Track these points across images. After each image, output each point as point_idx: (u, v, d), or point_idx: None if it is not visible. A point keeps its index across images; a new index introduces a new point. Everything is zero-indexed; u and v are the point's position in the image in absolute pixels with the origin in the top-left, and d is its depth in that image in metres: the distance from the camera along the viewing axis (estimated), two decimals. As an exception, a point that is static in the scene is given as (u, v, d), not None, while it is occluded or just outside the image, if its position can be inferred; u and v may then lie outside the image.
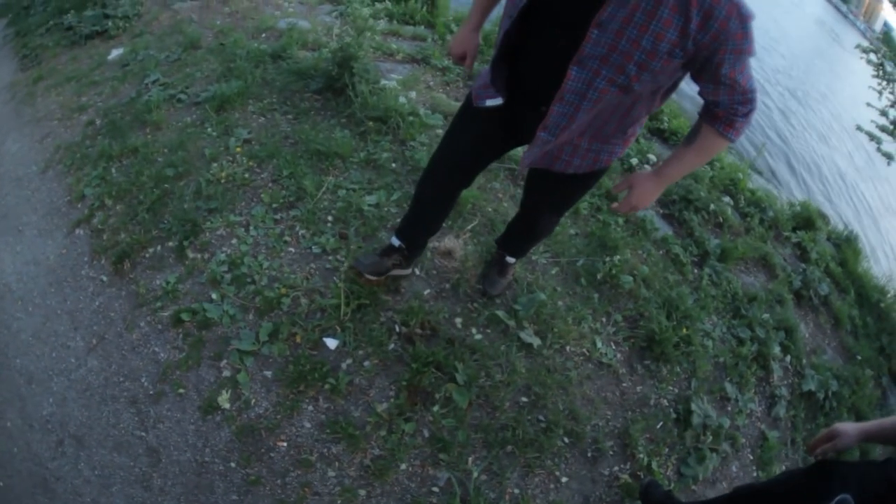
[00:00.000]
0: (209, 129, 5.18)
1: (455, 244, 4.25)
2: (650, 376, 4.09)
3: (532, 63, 2.55)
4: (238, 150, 4.89)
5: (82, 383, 3.69)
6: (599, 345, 4.07)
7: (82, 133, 5.66)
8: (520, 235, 3.83)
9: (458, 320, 3.92)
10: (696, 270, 5.06)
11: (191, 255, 4.16)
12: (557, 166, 2.78)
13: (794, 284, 5.52)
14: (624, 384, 3.98)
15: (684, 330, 4.33)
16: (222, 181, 4.59)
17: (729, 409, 4.24)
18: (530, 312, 4.02)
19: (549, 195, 3.21)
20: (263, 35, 6.63)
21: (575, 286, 4.42)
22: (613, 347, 4.14)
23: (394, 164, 4.93)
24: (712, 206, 5.67)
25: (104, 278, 4.21)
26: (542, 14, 2.36)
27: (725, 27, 2.08)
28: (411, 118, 5.31)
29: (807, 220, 6.55)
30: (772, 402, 4.49)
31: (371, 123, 5.22)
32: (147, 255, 4.26)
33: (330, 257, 4.09)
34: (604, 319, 4.28)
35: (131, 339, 3.80)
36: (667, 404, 4.01)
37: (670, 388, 4.09)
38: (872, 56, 11.55)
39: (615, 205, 2.85)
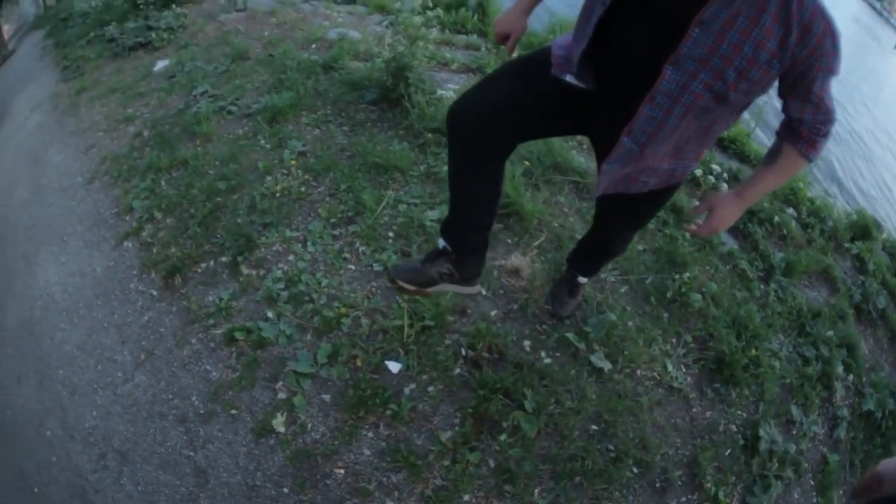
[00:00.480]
0: (262, 142, 5.06)
1: (522, 262, 4.05)
2: (720, 400, 3.87)
3: (621, 57, 2.31)
4: (293, 163, 4.75)
5: (129, 398, 3.57)
6: (670, 368, 3.84)
7: (129, 144, 5.58)
8: (592, 254, 3.59)
9: (527, 343, 3.69)
10: (762, 286, 4.83)
11: (245, 271, 4.01)
12: (634, 188, 2.58)
13: (854, 298, 5.26)
14: (694, 409, 3.76)
15: (753, 350, 4.10)
16: (277, 195, 4.44)
17: (794, 432, 4.02)
18: (601, 334, 3.80)
19: (623, 214, 3.00)
20: (313, 46, 6.52)
21: (644, 305, 4.20)
22: (683, 370, 3.91)
23: (457, 179, 4.75)
24: (776, 218, 5.45)
25: (154, 293, 4.09)
26: (636, 4, 2.17)
27: (821, 44, 1.99)
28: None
29: (863, 228, 6.26)
30: (834, 424, 4.27)
31: (430, 135, 5.03)
32: (199, 271, 4.13)
33: (393, 276, 3.89)
34: (674, 340, 4.05)
35: (182, 355, 3.67)
36: (735, 430, 3.80)
37: (739, 412, 3.87)
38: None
39: (693, 227, 2.67)
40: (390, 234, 4.18)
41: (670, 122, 2.21)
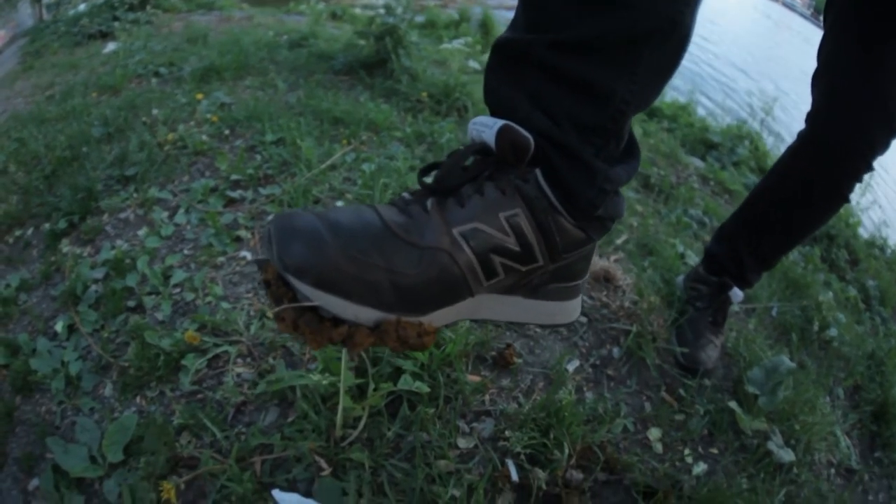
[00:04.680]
0: (178, 95, 2.78)
1: (610, 266, 1.69)
2: (884, 474, 1.68)
3: None
4: (210, 115, 2.41)
5: None
6: (842, 441, 1.58)
7: (37, 104, 3.54)
8: (785, 211, 1.42)
9: (655, 433, 1.28)
10: (869, 318, 2.73)
11: (65, 247, 1.74)
12: None
13: None
14: (870, 498, 1.56)
15: None
16: (165, 146, 2.12)
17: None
18: (778, 399, 1.45)
19: None
20: (284, 37, 4.20)
21: (786, 347, 1.88)
22: (849, 440, 1.67)
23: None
24: (850, 243, 3.58)
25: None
26: None
27: None
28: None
29: None
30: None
31: (425, 96, 2.71)
32: (11, 240, 1.97)
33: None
34: (828, 398, 1.77)
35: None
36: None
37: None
38: None
39: None
40: (340, 203, 1.76)
41: None
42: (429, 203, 0.69)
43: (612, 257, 1.79)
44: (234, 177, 1.83)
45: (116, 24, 5.79)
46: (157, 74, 3.38)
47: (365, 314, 0.64)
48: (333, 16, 5.68)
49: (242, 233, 1.58)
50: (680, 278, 1.74)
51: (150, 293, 1.40)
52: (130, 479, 1.02)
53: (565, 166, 0.68)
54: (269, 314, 1.26)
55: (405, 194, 0.72)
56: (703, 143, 4.15)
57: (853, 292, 2.85)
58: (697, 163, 3.70)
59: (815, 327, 2.10)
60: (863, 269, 3.44)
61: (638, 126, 3.68)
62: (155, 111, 2.49)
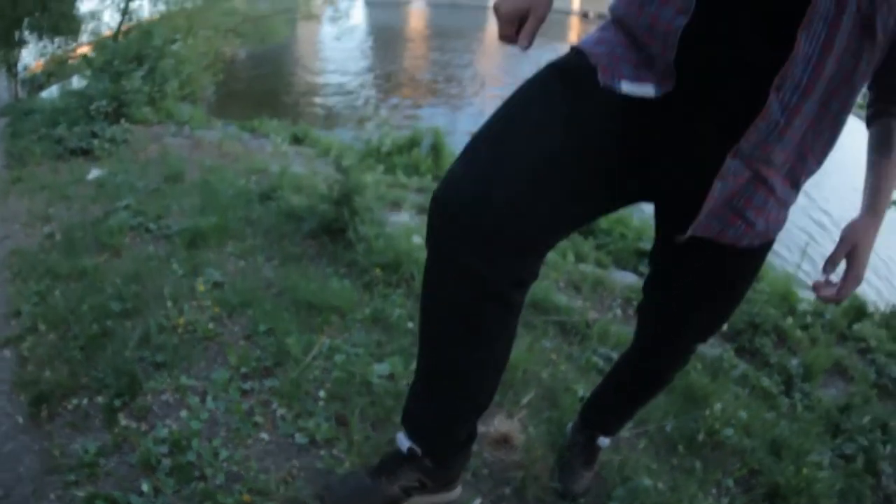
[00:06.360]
0: (174, 265, 3.62)
1: (511, 427, 2.54)
2: None
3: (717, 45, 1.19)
4: (202, 288, 3.30)
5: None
6: None
7: (39, 243, 4.26)
8: (626, 397, 2.14)
9: None
10: (787, 399, 3.53)
11: (123, 421, 2.48)
12: (731, 234, 1.37)
13: (870, 378, 4.19)
14: None
15: (803, 472, 2.68)
16: (179, 330, 2.96)
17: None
18: None
19: (704, 297, 1.62)
20: (254, 177, 5.10)
21: (671, 458, 2.69)
22: None
23: (409, 324, 3.19)
24: (778, 325, 4.33)
25: (20, 419, 2.59)
26: None
27: None
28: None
29: (858, 310, 5.19)
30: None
31: (378, 272, 3.61)
32: (70, 407, 2.60)
33: (322, 451, 2.32)
34: (714, 491, 2.56)
35: (39, 509, 2.11)
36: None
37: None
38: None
39: (830, 291, 1.43)
40: (321, 393, 2.64)
41: (828, 67, 1.13)
42: (381, 475, 1.71)
43: (517, 416, 2.63)
44: (242, 369, 2.69)
45: (95, 141, 6.53)
46: (147, 230, 4.15)
47: None
48: (295, 139, 6.54)
49: (258, 419, 2.44)
50: (569, 426, 2.48)
51: (207, 466, 2.25)
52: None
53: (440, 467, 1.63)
54: None
55: (372, 468, 1.74)
56: (637, 252, 4.95)
57: (767, 383, 3.56)
58: (629, 278, 4.37)
59: (710, 431, 2.76)
60: (790, 347, 4.15)
61: (571, 253, 4.58)
62: (165, 290, 3.26)
